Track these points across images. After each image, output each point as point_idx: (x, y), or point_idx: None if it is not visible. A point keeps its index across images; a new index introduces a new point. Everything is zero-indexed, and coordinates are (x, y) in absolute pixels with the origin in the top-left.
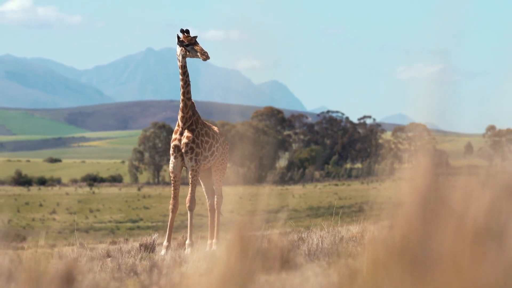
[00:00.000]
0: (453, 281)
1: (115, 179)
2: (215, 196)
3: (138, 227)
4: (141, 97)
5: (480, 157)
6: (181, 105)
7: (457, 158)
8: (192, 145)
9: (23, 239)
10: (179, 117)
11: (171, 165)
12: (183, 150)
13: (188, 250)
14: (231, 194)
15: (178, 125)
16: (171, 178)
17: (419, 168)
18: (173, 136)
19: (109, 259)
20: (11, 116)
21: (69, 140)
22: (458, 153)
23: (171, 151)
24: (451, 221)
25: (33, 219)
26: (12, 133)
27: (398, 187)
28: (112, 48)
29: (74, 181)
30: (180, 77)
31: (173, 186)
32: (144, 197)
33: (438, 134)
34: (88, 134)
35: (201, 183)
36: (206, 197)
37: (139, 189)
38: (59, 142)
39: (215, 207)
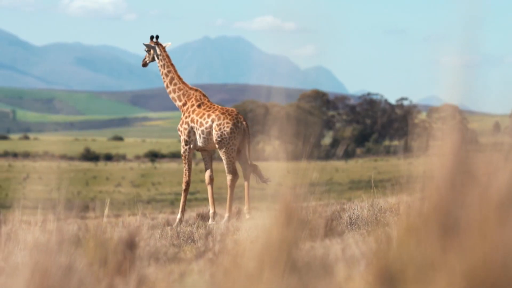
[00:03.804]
0: (479, 245)
1: (175, 155)
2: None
3: (196, 199)
4: (197, 81)
5: (507, 135)
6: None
7: (486, 136)
8: (178, 132)
9: (92, 209)
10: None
11: None
12: None
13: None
14: (280, 169)
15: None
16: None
17: (450, 145)
18: None
19: (169, 227)
20: (80, 98)
21: (133, 120)
22: (487, 131)
23: None
24: (477, 191)
25: (100, 192)
26: (81, 113)
27: (431, 162)
28: (170, 37)
29: (138, 157)
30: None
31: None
32: (200, 171)
33: (468, 115)
34: (150, 115)
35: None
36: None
37: (196, 164)
38: (124, 122)
39: (228, 183)
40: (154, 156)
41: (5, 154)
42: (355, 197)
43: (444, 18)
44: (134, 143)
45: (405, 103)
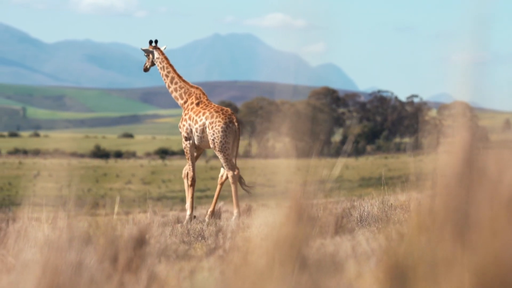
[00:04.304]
0: (489, 242)
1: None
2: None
3: (206, 196)
4: (208, 78)
5: None
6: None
7: (496, 133)
8: (179, 129)
9: (102, 206)
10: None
11: None
12: None
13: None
14: (289, 166)
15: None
16: None
17: (460, 142)
18: None
19: (179, 224)
20: (90, 95)
21: (143, 117)
22: (497, 128)
23: None
24: (488, 189)
25: (110, 189)
26: (91, 111)
27: (441, 159)
28: (180, 34)
29: (148, 154)
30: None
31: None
32: (211, 168)
33: (479, 112)
34: (160, 112)
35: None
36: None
37: (206, 162)
38: (134, 119)
39: (230, 180)
40: (164, 153)
41: (16, 152)
42: (365, 194)
43: (454, 15)
44: (144, 140)
45: (416, 100)
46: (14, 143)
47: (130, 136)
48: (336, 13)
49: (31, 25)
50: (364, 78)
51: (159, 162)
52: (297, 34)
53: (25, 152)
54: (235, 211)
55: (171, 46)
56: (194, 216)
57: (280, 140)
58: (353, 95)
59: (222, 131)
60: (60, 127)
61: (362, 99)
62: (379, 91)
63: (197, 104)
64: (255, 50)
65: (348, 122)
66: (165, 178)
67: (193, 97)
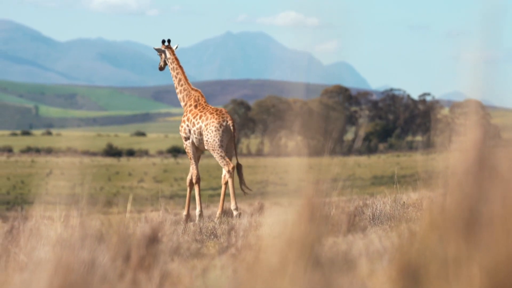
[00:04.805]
0: (502, 240)
1: None
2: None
3: (218, 195)
4: (220, 76)
5: None
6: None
7: (509, 131)
8: (180, 132)
9: (114, 205)
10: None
11: None
12: None
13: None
14: (302, 164)
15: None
16: None
17: (473, 140)
18: None
19: (191, 223)
20: (102, 93)
21: (155, 115)
22: (509, 126)
23: None
24: (500, 187)
25: (123, 187)
26: (104, 109)
27: (454, 157)
28: (192, 33)
29: (160, 153)
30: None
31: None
32: (218, 169)
33: (491, 110)
34: (173, 110)
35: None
36: None
37: None
38: (146, 117)
39: (226, 177)
40: (176, 151)
41: (28, 150)
42: (377, 192)
43: (466, 13)
44: (156, 138)
45: (428, 98)
46: (26, 141)
47: (142, 134)
48: (349, 11)
49: (43, 24)
50: (377, 77)
51: (171, 160)
52: (310, 33)
53: (37, 151)
54: (218, 211)
55: (184, 44)
56: (195, 215)
57: (293, 139)
58: (366, 94)
59: (215, 130)
60: (73, 126)
61: (375, 97)
62: (391, 90)
63: (195, 107)
64: (268, 49)
65: (360, 121)
66: (178, 176)
67: (192, 99)
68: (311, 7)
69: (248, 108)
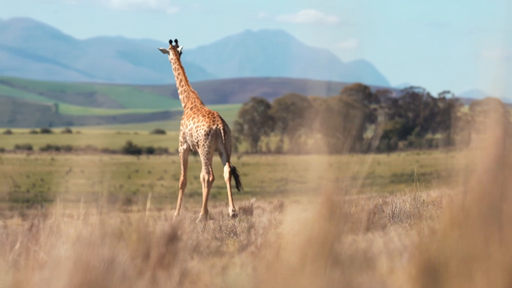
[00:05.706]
0: None
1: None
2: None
3: (238, 192)
4: (240, 74)
5: None
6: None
7: None
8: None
9: (134, 202)
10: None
11: None
12: None
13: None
14: (321, 162)
15: None
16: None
17: (492, 138)
18: None
19: (211, 221)
20: (122, 91)
21: (175, 113)
22: None
23: None
24: None
25: (142, 185)
26: (123, 107)
27: (474, 155)
28: (212, 30)
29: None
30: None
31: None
32: (243, 165)
33: (511, 108)
34: None
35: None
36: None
37: (238, 158)
38: (166, 115)
39: (205, 182)
40: None
41: (48, 148)
42: (397, 190)
43: (486, 11)
44: (176, 136)
45: (448, 96)
46: (46, 139)
47: (162, 132)
48: (369, 9)
49: (63, 22)
50: (396, 74)
51: (190, 158)
52: (330, 30)
53: (57, 149)
54: (201, 213)
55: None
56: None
57: (312, 136)
58: (385, 91)
59: (204, 135)
60: (92, 124)
61: (394, 95)
62: (411, 87)
63: (191, 109)
64: (287, 47)
65: (380, 118)
66: (197, 174)
67: (189, 101)
68: (331, 5)
69: (267, 106)
